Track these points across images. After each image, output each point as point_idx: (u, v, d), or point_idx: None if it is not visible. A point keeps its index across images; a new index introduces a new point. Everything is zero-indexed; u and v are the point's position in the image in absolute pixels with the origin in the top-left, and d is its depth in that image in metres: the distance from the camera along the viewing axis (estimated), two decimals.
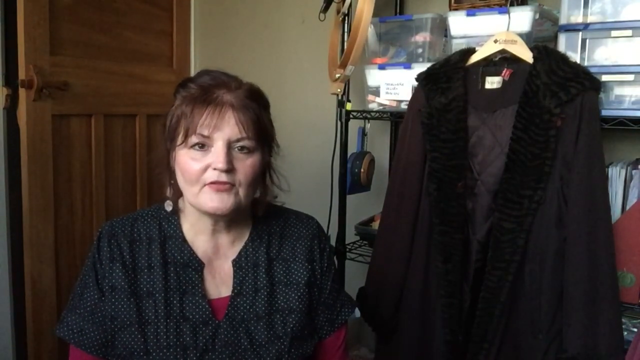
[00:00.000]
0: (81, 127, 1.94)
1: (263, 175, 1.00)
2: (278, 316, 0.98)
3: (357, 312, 1.49)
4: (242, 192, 0.93)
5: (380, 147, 1.93)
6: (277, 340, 0.96)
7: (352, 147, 1.79)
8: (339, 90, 1.64)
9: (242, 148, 0.92)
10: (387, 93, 1.63)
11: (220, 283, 0.99)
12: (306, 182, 2.13)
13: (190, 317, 0.94)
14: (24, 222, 1.77)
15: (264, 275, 1.00)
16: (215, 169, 0.90)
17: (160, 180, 1.01)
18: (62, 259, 1.88)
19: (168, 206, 1.00)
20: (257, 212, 1.03)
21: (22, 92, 1.72)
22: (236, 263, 1.00)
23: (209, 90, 0.93)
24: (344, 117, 1.68)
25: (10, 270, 1.87)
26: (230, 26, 2.35)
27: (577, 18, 1.31)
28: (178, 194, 0.98)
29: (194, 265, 0.97)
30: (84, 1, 1.93)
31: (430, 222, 1.36)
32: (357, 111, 1.70)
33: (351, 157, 1.74)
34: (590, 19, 1.29)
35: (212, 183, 0.91)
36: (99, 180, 2.00)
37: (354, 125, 1.77)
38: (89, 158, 1.97)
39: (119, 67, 2.07)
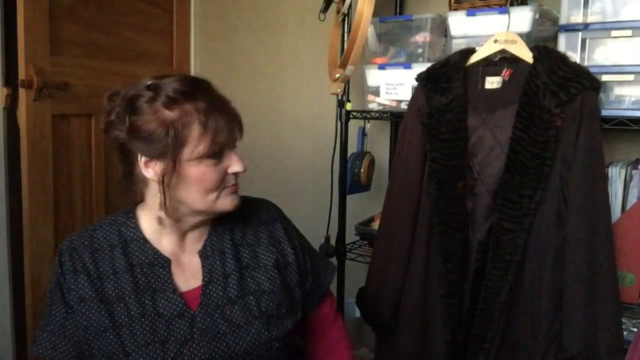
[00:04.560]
0: (81, 127, 1.94)
1: None
2: (251, 298, 0.99)
3: (357, 312, 1.49)
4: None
5: (380, 147, 1.93)
6: (254, 320, 0.98)
7: (352, 147, 1.79)
8: (339, 90, 1.64)
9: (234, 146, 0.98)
10: (387, 93, 1.63)
11: (190, 277, 1.00)
12: (306, 182, 2.13)
13: (164, 312, 0.94)
14: (24, 222, 1.77)
15: (231, 261, 1.01)
16: (235, 172, 0.95)
17: (129, 195, 1.00)
18: None
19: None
20: None
21: (22, 92, 1.72)
22: (202, 254, 1.01)
23: (214, 97, 0.95)
24: (344, 117, 1.68)
25: (10, 270, 1.87)
26: (230, 26, 2.35)
27: (577, 18, 1.31)
28: (160, 205, 0.96)
29: (160, 263, 0.98)
30: (84, 1, 1.93)
31: (430, 222, 1.36)
32: (357, 111, 1.70)
33: (351, 157, 1.74)
34: (590, 19, 1.29)
35: (231, 186, 0.97)
36: (99, 180, 2.00)
37: (354, 125, 1.77)
38: (89, 158, 1.97)
39: (119, 67, 2.07)
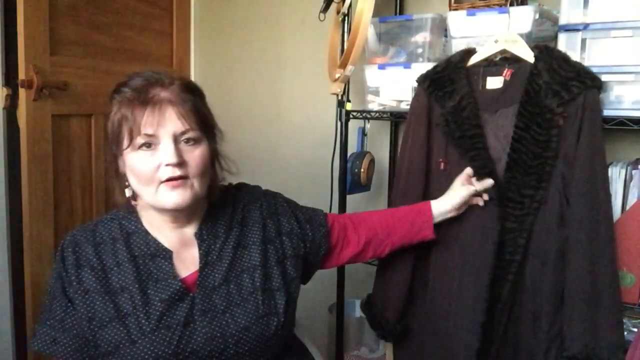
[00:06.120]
0: (81, 127, 1.94)
1: (212, 162, 1.04)
2: (245, 275, 1.03)
3: (358, 311, 1.49)
4: (196, 183, 0.98)
5: (380, 147, 1.93)
6: (250, 296, 1.01)
7: (352, 147, 1.79)
8: (339, 90, 1.64)
9: (188, 140, 0.97)
10: (387, 93, 1.63)
11: (191, 266, 1.02)
12: (306, 182, 2.13)
13: (167, 298, 0.96)
14: (24, 222, 1.77)
15: (224, 243, 1.05)
16: (167, 165, 0.94)
17: (110, 186, 1.05)
18: None
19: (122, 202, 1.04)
20: (211, 198, 1.07)
21: (22, 92, 1.72)
22: (198, 235, 1.04)
23: (145, 90, 0.96)
24: (344, 117, 1.68)
25: (10, 270, 1.87)
26: (230, 26, 2.35)
27: (577, 18, 1.31)
28: (134, 196, 1.02)
29: (162, 254, 1.00)
30: (84, 1, 1.93)
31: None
32: (357, 111, 1.70)
33: (351, 157, 1.73)
34: (590, 19, 1.29)
35: (167, 180, 0.94)
36: (99, 180, 1.99)
37: (354, 125, 1.77)
38: (89, 158, 1.97)
39: (119, 67, 2.07)
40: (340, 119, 1.69)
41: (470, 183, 1.27)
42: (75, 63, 1.89)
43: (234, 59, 2.35)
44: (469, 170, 1.28)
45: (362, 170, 1.72)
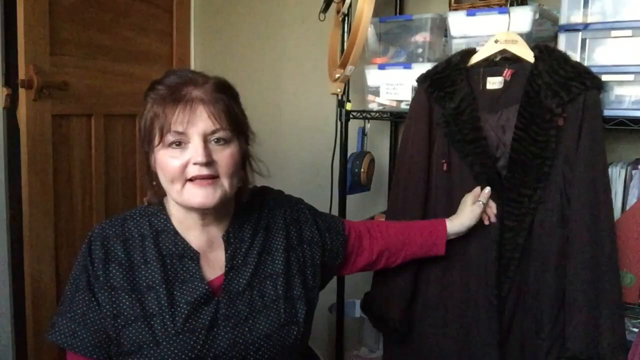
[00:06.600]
0: (81, 127, 1.94)
1: (243, 163, 1.03)
2: (268, 282, 1.03)
3: (358, 311, 1.48)
4: (225, 183, 0.96)
5: (380, 147, 1.93)
6: (272, 303, 1.01)
7: (352, 147, 1.79)
8: (338, 90, 1.64)
9: (218, 140, 0.95)
10: (387, 93, 1.63)
11: (217, 268, 1.02)
12: (306, 182, 2.13)
13: (193, 300, 0.96)
14: (24, 222, 1.77)
15: (249, 248, 1.04)
16: (195, 163, 0.93)
17: (144, 184, 1.05)
18: (62, 259, 1.87)
19: (145, 201, 1.04)
20: (241, 199, 1.06)
21: (22, 92, 1.72)
22: (225, 238, 1.03)
23: (177, 88, 0.95)
24: (344, 117, 1.68)
25: (10, 270, 1.87)
26: (230, 26, 2.35)
27: (577, 18, 1.31)
28: (162, 193, 1.01)
29: (190, 255, 1.00)
30: (84, 1, 1.92)
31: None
32: (357, 111, 1.70)
33: (351, 157, 1.73)
34: (590, 19, 1.29)
35: (194, 178, 0.93)
36: (99, 180, 1.99)
37: (354, 125, 1.77)
38: (89, 158, 1.97)
39: (119, 67, 2.07)
40: (340, 119, 1.69)
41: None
42: (75, 63, 1.89)
43: (234, 59, 2.35)
44: (477, 191, 1.29)
45: (362, 170, 1.72)
